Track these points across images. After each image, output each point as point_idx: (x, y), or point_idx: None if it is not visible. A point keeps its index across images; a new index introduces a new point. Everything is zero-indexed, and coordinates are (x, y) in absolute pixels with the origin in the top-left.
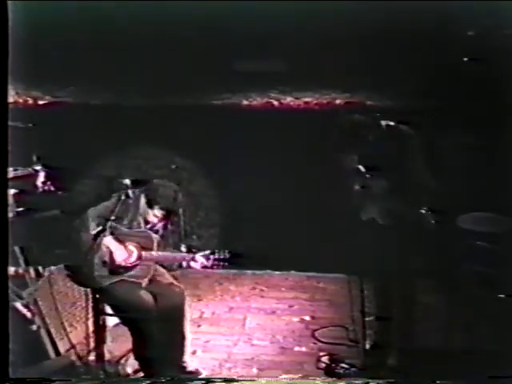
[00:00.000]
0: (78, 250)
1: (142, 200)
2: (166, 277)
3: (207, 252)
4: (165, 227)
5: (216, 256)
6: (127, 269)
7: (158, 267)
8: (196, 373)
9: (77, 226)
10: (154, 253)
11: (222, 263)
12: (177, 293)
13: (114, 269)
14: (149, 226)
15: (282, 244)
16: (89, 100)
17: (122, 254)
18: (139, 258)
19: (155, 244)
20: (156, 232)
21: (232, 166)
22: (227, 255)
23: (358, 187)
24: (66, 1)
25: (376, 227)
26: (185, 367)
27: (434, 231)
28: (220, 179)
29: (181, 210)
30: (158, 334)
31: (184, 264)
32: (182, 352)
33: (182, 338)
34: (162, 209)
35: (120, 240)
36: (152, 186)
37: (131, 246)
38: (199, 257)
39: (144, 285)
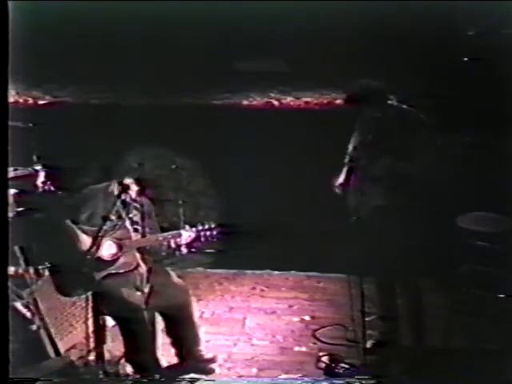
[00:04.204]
0: (77, 250)
1: (112, 186)
2: (171, 276)
3: (188, 227)
4: (143, 218)
5: (200, 227)
6: (110, 263)
7: (161, 268)
8: (213, 360)
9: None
10: (134, 241)
11: (208, 233)
12: (181, 289)
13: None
14: (130, 215)
15: (282, 244)
16: (88, 100)
17: (101, 250)
18: (120, 249)
19: (132, 233)
20: (136, 223)
21: (232, 165)
22: (213, 225)
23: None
24: (65, 1)
25: (376, 227)
26: (202, 355)
27: (434, 231)
28: (220, 179)
29: (181, 210)
30: (170, 330)
31: (172, 244)
32: (197, 343)
33: (195, 329)
34: (133, 179)
35: (95, 237)
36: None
37: (108, 241)
38: (184, 232)
39: (138, 279)
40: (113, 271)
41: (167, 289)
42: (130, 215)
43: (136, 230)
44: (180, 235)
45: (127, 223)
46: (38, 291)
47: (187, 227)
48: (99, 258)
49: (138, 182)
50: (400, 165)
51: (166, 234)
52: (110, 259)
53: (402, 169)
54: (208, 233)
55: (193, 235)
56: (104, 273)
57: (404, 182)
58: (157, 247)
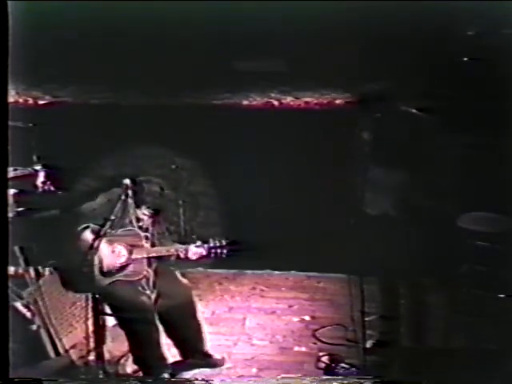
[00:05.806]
0: (78, 250)
1: (130, 200)
2: (175, 276)
3: (200, 243)
4: (153, 224)
5: (211, 244)
6: (119, 270)
7: (165, 268)
8: (222, 360)
9: (76, 226)
10: (144, 249)
11: (218, 250)
12: (184, 288)
13: (107, 271)
14: (140, 224)
15: (282, 243)
16: (88, 100)
17: (111, 255)
18: (130, 255)
19: (144, 241)
20: (146, 230)
21: (232, 165)
22: (223, 242)
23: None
24: (66, 1)
25: (376, 226)
26: (211, 355)
27: (434, 231)
28: (220, 179)
29: (181, 210)
30: (175, 330)
31: (181, 255)
32: (203, 342)
33: (199, 328)
34: (149, 207)
35: (108, 241)
36: (137, 185)
37: (120, 246)
38: (194, 247)
39: (143, 283)
40: (121, 278)
41: (172, 288)
42: (140, 224)
43: (146, 238)
44: (190, 251)
45: (138, 231)
46: (38, 291)
47: (198, 243)
48: (109, 264)
49: (155, 211)
50: (399, 166)
51: (177, 246)
52: (119, 265)
53: (401, 170)
54: (219, 250)
55: (204, 252)
56: (112, 279)
57: (404, 183)
58: (166, 258)
